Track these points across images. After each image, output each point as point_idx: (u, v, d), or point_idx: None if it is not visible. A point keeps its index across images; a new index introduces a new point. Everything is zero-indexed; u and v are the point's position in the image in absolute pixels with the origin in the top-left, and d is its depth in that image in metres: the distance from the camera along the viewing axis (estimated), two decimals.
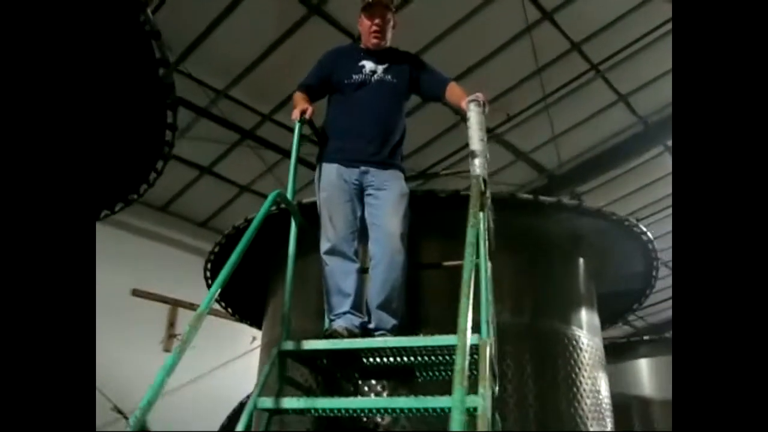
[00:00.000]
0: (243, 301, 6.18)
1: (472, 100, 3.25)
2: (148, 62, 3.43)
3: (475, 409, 2.24)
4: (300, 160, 3.45)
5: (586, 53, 7.70)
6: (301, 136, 3.46)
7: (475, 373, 2.53)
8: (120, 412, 8.34)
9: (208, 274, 5.52)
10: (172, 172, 9.15)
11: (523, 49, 7.56)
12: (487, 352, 2.60)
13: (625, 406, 7.38)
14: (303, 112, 3.41)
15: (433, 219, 4.09)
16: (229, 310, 6.36)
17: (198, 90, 7.63)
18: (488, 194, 3.04)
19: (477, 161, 3.04)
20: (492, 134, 8.85)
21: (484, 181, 3.00)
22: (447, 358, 3.04)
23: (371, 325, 3.25)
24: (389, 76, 3.64)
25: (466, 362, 1.90)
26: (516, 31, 7.40)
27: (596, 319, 5.00)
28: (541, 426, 4.20)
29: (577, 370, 4.53)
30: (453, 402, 1.71)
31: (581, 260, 5.08)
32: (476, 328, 2.71)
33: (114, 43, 3.29)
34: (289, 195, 3.26)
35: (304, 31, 7.18)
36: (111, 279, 8.90)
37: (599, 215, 4.86)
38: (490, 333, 2.79)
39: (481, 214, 3.01)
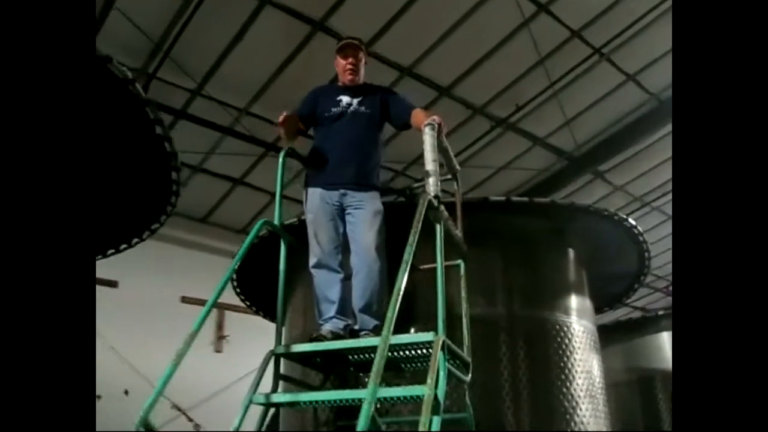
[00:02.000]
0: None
1: (428, 124, 3.62)
2: (147, 122, 3.96)
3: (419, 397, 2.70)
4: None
5: (587, 39, 7.89)
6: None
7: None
8: (179, 409, 9.15)
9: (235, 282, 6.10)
10: (208, 186, 9.89)
11: (523, 42, 7.82)
12: (438, 347, 3.03)
13: (648, 378, 7.64)
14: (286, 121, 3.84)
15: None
16: (261, 313, 6.95)
17: (221, 110, 8.22)
18: (442, 209, 3.42)
19: (430, 180, 3.42)
20: (505, 124, 9.17)
21: (438, 198, 3.38)
22: (423, 351, 3.48)
23: (356, 327, 3.72)
24: (363, 108, 4.07)
25: (383, 362, 2.34)
26: (514, 26, 7.68)
27: (588, 305, 5.32)
28: (534, 404, 4.61)
29: (567, 353, 4.89)
30: (367, 395, 2.17)
31: (571, 252, 5.39)
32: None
33: (115, 112, 3.82)
34: (276, 218, 3.75)
35: (311, 46, 7.66)
36: (161, 289, 9.71)
37: (587, 212, 5.17)
38: (443, 330, 3.19)
39: (437, 226, 3.44)
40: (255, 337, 6.42)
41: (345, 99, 4.08)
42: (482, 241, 4.84)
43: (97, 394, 7.99)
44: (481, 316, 4.67)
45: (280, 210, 3.83)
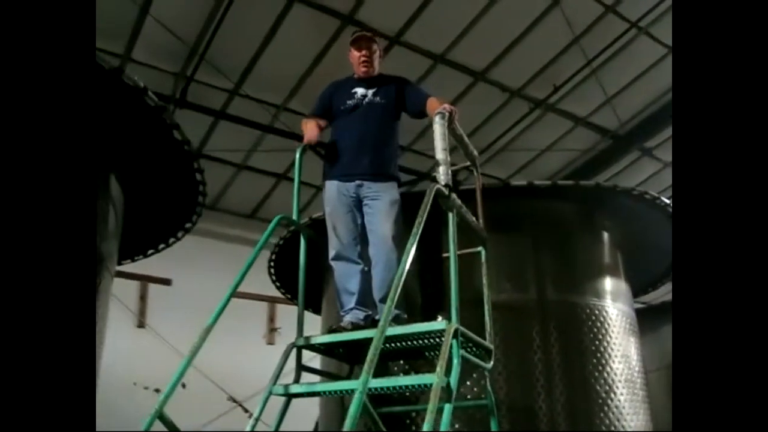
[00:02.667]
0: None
1: (438, 113, 3.62)
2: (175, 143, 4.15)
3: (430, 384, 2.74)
4: None
5: (621, 13, 7.65)
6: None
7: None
8: (234, 400, 9.45)
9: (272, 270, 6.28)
10: (253, 183, 10.12)
11: (556, 21, 7.65)
12: (450, 335, 3.04)
13: None
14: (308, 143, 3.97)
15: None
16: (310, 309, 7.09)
17: (260, 108, 8.39)
18: (453, 197, 3.42)
19: (441, 169, 3.42)
20: (544, 105, 9.00)
21: (449, 186, 3.38)
22: (440, 340, 3.51)
23: (377, 317, 3.77)
24: (378, 98, 4.10)
25: (376, 353, 2.38)
26: (545, 5, 7.51)
27: (623, 288, 5.19)
28: (567, 391, 4.55)
29: (601, 337, 4.79)
30: (358, 385, 2.22)
31: (604, 234, 5.28)
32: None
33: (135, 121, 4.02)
34: (294, 213, 3.84)
35: (343, 39, 7.70)
36: (213, 285, 9.99)
37: (618, 192, 5.05)
38: (456, 318, 3.20)
39: (450, 215, 3.44)
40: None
41: (360, 91, 4.13)
42: (510, 227, 4.84)
43: (156, 388, 8.38)
44: (511, 302, 4.67)
45: (298, 205, 3.91)
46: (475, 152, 4.18)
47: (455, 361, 3.09)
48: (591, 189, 4.94)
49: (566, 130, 9.62)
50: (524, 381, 4.52)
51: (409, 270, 3.70)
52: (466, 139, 4.04)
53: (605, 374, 4.64)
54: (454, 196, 3.45)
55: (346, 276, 3.85)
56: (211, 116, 8.26)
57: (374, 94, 4.11)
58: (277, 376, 3.35)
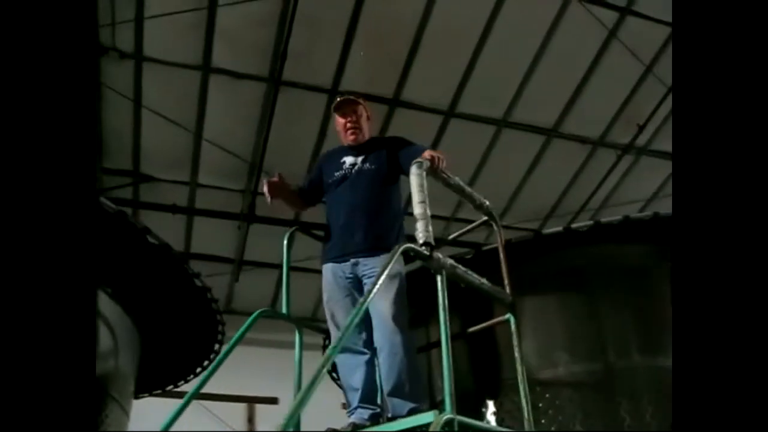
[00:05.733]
0: None
1: (415, 162, 3.13)
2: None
3: None
4: None
5: None
6: None
7: None
8: None
9: None
10: (303, 285, 9.78)
11: (619, 54, 6.92)
12: (437, 428, 2.38)
13: None
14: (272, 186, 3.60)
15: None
16: None
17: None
18: (438, 257, 2.83)
19: (418, 226, 2.88)
20: (634, 149, 8.07)
21: (429, 245, 2.82)
22: None
23: (389, 414, 3.15)
24: (367, 165, 3.67)
25: None
26: (600, 40, 6.84)
27: None
28: None
29: None
30: None
31: None
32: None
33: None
34: (284, 306, 3.46)
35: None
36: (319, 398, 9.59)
37: None
38: (451, 407, 2.53)
39: (438, 278, 2.85)
40: None
41: (349, 159, 3.72)
42: (561, 283, 4.05)
43: None
44: (577, 375, 3.80)
45: (288, 296, 3.50)
46: (487, 202, 3.56)
47: None
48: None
49: (670, 172, 8.51)
50: None
51: (409, 357, 3.15)
52: (467, 189, 3.46)
53: None
54: (439, 255, 2.86)
55: (349, 370, 3.29)
56: (280, 225, 8.21)
57: (363, 161, 3.68)
58: None
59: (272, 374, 8.43)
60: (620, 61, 6.98)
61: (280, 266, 8.63)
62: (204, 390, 2.80)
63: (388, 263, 2.65)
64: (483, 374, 3.80)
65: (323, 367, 2.21)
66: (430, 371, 4.02)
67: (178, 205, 7.79)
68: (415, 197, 3.00)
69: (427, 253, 2.81)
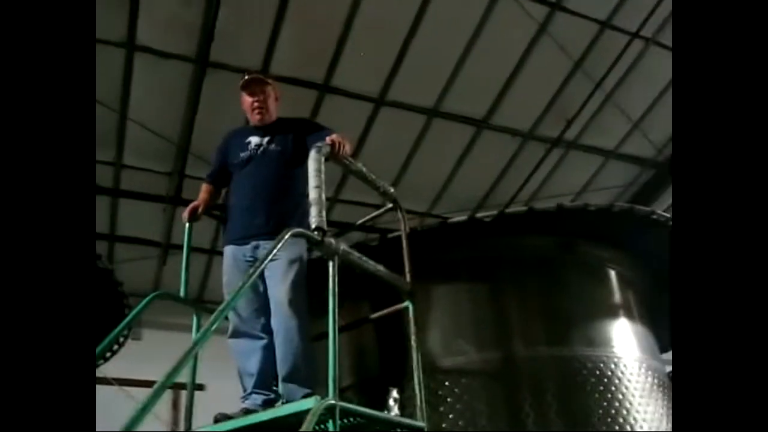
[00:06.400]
0: None
1: (314, 147, 3.10)
2: None
3: None
4: None
5: (619, 26, 6.92)
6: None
7: None
8: None
9: None
10: None
11: (549, 49, 7.02)
12: (314, 416, 2.35)
13: None
14: (191, 212, 3.56)
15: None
16: None
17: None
18: (329, 242, 2.81)
19: (312, 210, 2.85)
20: (563, 143, 8.21)
21: (320, 230, 2.79)
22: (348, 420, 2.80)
23: (284, 399, 3.12)
24: (273, 145, 3.61)
25: None
26: (531, 34, 6.93)
27: (647, 337, 4.21)
28: None
29: (617, 400, 3.80)
30: None
31: (611, 271, 4.36)
32: None
33: None
34: (182, 289, 3.39)
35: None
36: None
37: (612, 213, 4.14)
38: (334, 393, 2.51)
39: (330, 264, 2.83)
40: None
41: (254, 140, 3.65)
42: (468, 272, 4.06)
43: None
44: (479, 364, 3.81)
45: (186, 279, 3.44)
46: (391, 189, 3.56)
47: None
48: (569, 213, 4.03)
49: (598, 167, 8.72)
50: None
51: (304, 342, 3.12)
52: (370, 175, 3.46)
53: None
54: (330, 240, 2.83)
55: (245, 355, 3.25)
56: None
57: (269, 142, 3.62)
58: None
59: (199, 361, 8.24)
60: (551, 55, 7.08)
61: (208, 251, 8.53)
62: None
63: (273, 248, 2.61)
64: (388, 362, 3.79)
65: (191, 350, 2.16)
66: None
67: (101, 186, 7.54)
68: (311, 181, 2.98)
69: (319, 238, 2.79)
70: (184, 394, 9.63)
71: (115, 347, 5.38)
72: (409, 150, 7.95)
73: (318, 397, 2.52)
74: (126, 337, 5.54)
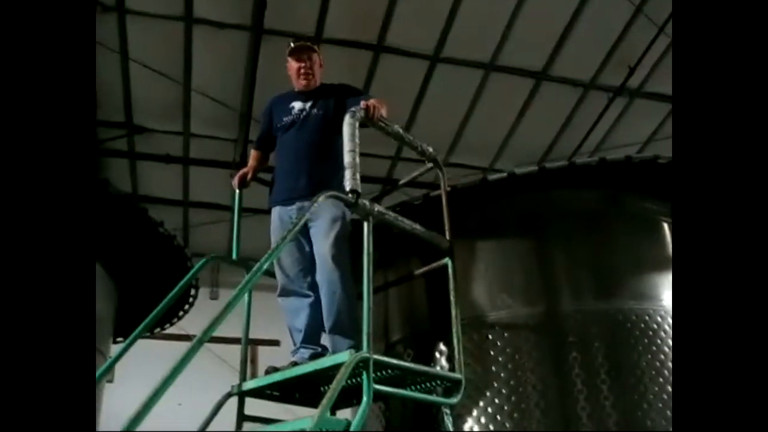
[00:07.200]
0: None
1: (349, 111, 3.19)
2: None
3: None
4: None
5: None
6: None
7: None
8: None
9: None
10: None
11: None
12: (347, 369, 2.52)
13: None
14: (241, 179, 3.74)
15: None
16: None
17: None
18: (364, 204, 2.93)
19: (347, 174, 2.97)
20: (627, 91, 7.92)
21: (355, 192, 2.91)
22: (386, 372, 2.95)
23: (329, 352, 3.31)
24: (315, 110, 3.74)
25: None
26: None
27: None
28: (622, 424, 3.61)
29: (663, 353, 3.78)
30: None
31: (663, 223, 4.27)
32: None
33: None
34: (234, 252, 3.60)
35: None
36: None
37: (658, 165, 4.02)
38: (367, 347, 2.66)
39: (365, 224, 2.95)
40: None
41: (297, 105, 3.79)
42: (512, 227, 4.09)
43: None
44: (524, 318, 3.87)
45: (238, 243, 3.65)
46: (430, 148, 3.62)
47: (365, 398, 2.55)
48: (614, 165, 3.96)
49: (665, 115, 8.38)
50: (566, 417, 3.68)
51: (348, 295, 3.27)
52: (408, 137, 3.53)
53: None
54: (365, 202, 2.96)
55: (293, 313, 3.45)
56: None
57: (311, 107, 3.75)
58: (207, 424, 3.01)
59: (275, 317, 8.64)
60: (608, 2, 6.81)
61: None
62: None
63: (308, 209, 2.76)
64: (436, 317, 3.89)
65: (228, 307, 2.35)
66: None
67: (172, 155, 7.94)
68: (346, 145, 3.08)
69: (353, 200, 2.91)
70: (260, 349, 10.20)
71: (186, 306, 5.76)
72: (468, 106, 7.91)
73: (353, 351, 2.68)
74: (195, 297, 5.88)
